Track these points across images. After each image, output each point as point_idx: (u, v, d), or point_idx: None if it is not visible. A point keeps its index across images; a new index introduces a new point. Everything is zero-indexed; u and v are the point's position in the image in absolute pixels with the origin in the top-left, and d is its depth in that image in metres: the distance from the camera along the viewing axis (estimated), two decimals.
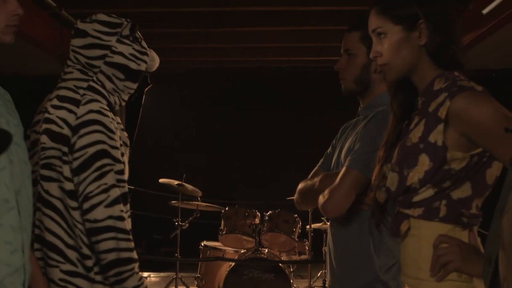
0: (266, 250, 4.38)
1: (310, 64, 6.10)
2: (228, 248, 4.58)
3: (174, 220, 4.93)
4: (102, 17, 1.89)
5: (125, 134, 1.88)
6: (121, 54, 1.84)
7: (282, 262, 4.36)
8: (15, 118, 1.59)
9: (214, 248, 4.60)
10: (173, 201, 4.99)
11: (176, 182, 4.83)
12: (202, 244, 4.67)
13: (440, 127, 1.37)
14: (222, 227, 4.61)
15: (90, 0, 4.02)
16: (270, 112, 6.84)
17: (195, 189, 4.90)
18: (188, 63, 6.21)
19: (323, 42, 5.07)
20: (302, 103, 6.71)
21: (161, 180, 4.92)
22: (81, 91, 1.77)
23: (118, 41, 1.85)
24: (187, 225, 4.91)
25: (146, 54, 1.92)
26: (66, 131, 1.72)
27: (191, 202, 4.95)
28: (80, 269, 1.72)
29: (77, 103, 1.74)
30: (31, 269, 1.56)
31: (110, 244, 1.68)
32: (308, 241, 4.73)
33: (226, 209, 4.69)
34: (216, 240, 4.67)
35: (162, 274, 6.35)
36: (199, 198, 4.98)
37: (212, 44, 5.38)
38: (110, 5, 4.05)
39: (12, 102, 1.63)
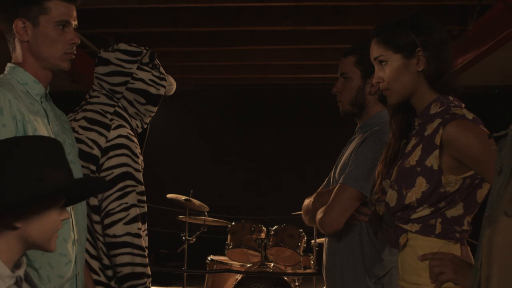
0: (272, 264, 4.41)
1: (314, 81, 6.18)
2: (234, 262, 4.62)
3: (182, 234, 4.97)
4: (123, 46, 2.02)
5: (141, 158, 1.99)
6: (141, 80, 1.98)
7: (288, 274, 4.39)
8: (71, 138, 1.73)
9: (221, 262, 4.63)
10: (180, 216, 5.03)
11: (183, 198, 4.88)
12: (209, 258, 4.70)
13: (436, 152, 1.49)
14: (228, 241, 4.65)
15: (101, 20, 4.11)
16: (276, 127, 6.90)
17: (202, 204, 4.95)
18: (194, 80, 6.30)
19: (326, 60, 5.15)
20: (307, 118, 6.77)
21: (168, 196, 4.97)
22: (109, 116, 1.90)
23: (139, 68, 1.98)
24: (194, 239, 4.95)
25: (164, 79, 2.06)
26: (96, 151, 1.84)
27: (198, 217, 5.00)
28: (102, 278, 1.84)
29: (107, 127, 1.87)
30: (84, 279, 1.66)
31: (126, 258, 1.79)
32: (313, 255, 4.76)
33: (233, 224, 4.73)
34: (223, 254, 4.71)
35: None
36: (206, 213, 5.02)
37: (218, 62, 5.48)
38: (120, 25, 4.14)
39: (67, 122, 1.79)
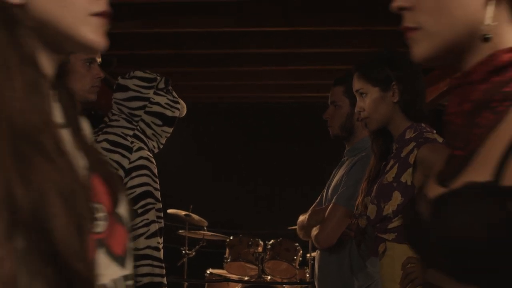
0: (269, 277, 4.51)
1: (310, 100, 6.32)
2: (232, 276, 4.71)
3: (181, 248, 5.06)
4: (139, 73, 2.19)
5: None
6: (158, 104, 2.15)
7: (284, 283, 4.48)
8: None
9: (219, 276, 4.73)
10: (180, 231, 5.13)
11: (183, 213, 4.98)
12: (208, 272, 4.79)
13: (410, 170, 1.68)
14: (226, 255, 4.75)
15: (109, 44, 4.24)
16: (272, 144, 7.01)
17: (201, 219, 5.05)
18: (193, 98, 6.44)
19: (321, 80, 5.29)
20: (302, 135, 6.89)
21: (169, 211, 5.07)
22: (129, 138, 2.06)
23: (155, 93, 2.15)
24: (193, 253, 5.04)
25: (178, 102, 2.24)
26: (120, 172, 1.99)
27: (197, 232, 5.09)
28: None
29: (129, 149, 2.02)
30: None
31: (146, 269, 1.94)
32: (308, 268, 4.86)
33: (231, 238, 4.83)
34: (221, 267, 4.80)
35: None
36: (205, 228, 5.12)
37: (216, 81, 5.62)
38: (127, 47, 4.28)
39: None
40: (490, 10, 0.79)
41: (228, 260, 4.70)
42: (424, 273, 0.87)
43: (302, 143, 6.91)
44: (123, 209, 0.87)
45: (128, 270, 0.88)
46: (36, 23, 0.77)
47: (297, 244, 4.66)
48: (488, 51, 0.82)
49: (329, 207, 2.10)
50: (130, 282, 0.88)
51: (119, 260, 0.86)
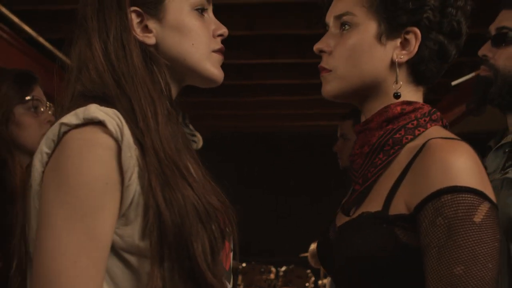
0: None
1: (319, 128, 6.40)
2: None
3: None
4: None
5: None
6: None
7: None
8: None
9: None
10: None
11: None
12: None
13: None
14: (239, 282, 4.77)
15: None
16: (285, 170, 7.06)
17: None
18: (210, 128, 6.55)
19: (330, 109, 5.37)
20: (313, 162, 6.94)
21: None
22: None
23: None
24: None
25: (194, 135, 2.29)
26: None
27: None
28: None
29: None
30: None
31: None
32: None
33: (244, 265, 4.86)
34: None
35: None
36: None
37: (232, 111, 5.74)
38: None
39: None
40: (398, 73, 0.95)
41: (241, 287, 4.72)
42: None
43: (314, 170, 6.95)
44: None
45: (230, 285, 0.95)
46: (168, 60, 0.90)
47: (309, 271, 4.67)
48: (386, 103, 0.97)
49: None
50: None
51: (228, 275, 0.94)
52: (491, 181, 1.40)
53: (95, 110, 0.79)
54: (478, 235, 0.82)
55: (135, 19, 0.89)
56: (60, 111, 0.86)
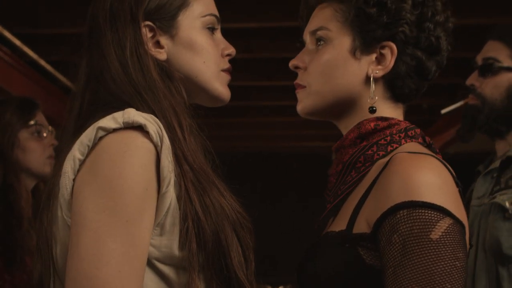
0: None
1: (313, 150, 6.44)
2: None
3: None
4: None
5: None
6: None
7: None
8: None
9: None
10: None
11: None
12: None
13: None
14: None
15: None
16: (279, 191, 7.07)
17: None
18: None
19: (325, 130, 5.41)
20: (310, 184, 6.95)
21: None
22: None
23: None
24: None
25: None
26: None
27: None
28: None
29: None
30: None
31: None
32: None
33: None
34: None
35: None
36: None
37: (230, 131, 5.77)
38: None
39: None
40: (373, 88, 0.92)
41: None
42: None
43: (309, 191, 6.96)
44: None
45: None
46: (181, 75, 0.89)
47: None
48: (360, 119, 0.94)
49: None
50: None
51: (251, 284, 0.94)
52: (479, 206, 1.46)
53: (135, 114, 0.77)
54: (434, 253, 0.76)
55: (147, 34, 0.88)
56: (68, 118, 0.85)
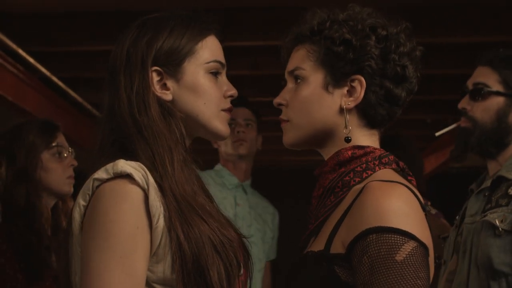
0: None
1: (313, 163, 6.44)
2: None
3: None
4: None
5: None
6: None
7: None
8: (261, 224, 2.15)
9: None
10: None
11: None
12: None
13: None
14: None
15: None
16: (285, 203, 7.06)
17: None
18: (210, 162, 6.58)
19: None
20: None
21: None
22: None
23: None
24: None
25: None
26: None
27: None
28: None
29: None
30: None
31: None
32: None
33: None
34: None
35: None
36: None
37: None
38: None
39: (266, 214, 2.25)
40: (347, 118, 0.99)
41: None
42: None
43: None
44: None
45: None
46: (183, 115, 1.00)
47: None
48: (341, 147, 1.01)
49: None
50: None
51: None
52: (472, 224, 1.51)
53: (123, 165, 0.89)
54: (398, 273, 0.84)
55: (155, 77, 0.99)
56: (90, 157, 0.98)
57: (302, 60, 1.03)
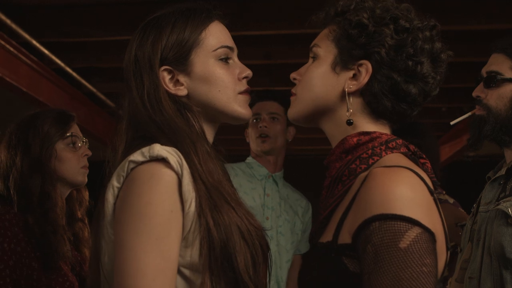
0: None
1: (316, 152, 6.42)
2: None
3: None
4: None
5: None
6: None
7: None
8: (290, 216, 2.19)
9: None
10: None
11: None
12: None
13: None
14: None
15: None
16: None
17: None
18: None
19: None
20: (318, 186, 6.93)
21: None
22: None
23: None
24: None
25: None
26: None
27: None
28: None
29: None
30: None
31: None
32: None
33: None
34: None
35: None
36: None
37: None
38: None
39: (297, 206, 2.31)
40: (350, 101, 0.98)
41: None
42: None
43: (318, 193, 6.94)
44: None
45: None
46: (200, 106, 1.02)
47: None
48: (344, 131, 1.00)
49: None
50: None
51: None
52: (486, 212, 1.50)
53: (159, 149, 0.90)
54: (402, 260, 0.81)
55: (167, 76, 1.02)
56: (115, 154, 0.99)
57: (322, 38, 1.03)
